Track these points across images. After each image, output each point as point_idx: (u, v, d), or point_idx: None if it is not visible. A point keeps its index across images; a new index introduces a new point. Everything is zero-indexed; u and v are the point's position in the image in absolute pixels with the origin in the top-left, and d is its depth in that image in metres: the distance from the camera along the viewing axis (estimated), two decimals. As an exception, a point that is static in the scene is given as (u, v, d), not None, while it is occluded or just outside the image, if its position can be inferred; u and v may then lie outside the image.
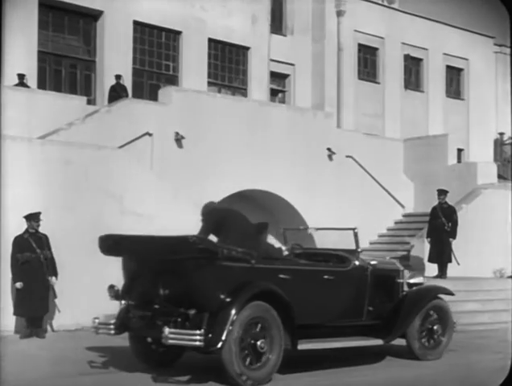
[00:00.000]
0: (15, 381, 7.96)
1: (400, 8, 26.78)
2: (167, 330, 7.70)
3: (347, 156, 18.09)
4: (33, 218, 11.59)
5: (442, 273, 15.23)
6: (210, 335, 7.68)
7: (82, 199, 12.84)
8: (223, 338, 7.69)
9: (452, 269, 15.35)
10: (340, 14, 24.09)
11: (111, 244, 8.68)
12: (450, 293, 10.68)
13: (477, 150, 26.50)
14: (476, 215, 17.13)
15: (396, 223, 19.07)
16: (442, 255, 15.34)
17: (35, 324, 11.66)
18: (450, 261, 15.31)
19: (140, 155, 14.33)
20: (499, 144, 27.99)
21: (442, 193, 15.80)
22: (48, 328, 12.15)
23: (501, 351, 10.49)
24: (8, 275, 11.54)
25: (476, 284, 15.02)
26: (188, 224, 13.29)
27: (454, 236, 15.35)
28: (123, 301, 8.64)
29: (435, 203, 15.94)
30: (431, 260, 15.52)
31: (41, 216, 11.67)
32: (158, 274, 8.19)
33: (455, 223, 15.43)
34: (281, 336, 8.24)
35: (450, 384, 8.92)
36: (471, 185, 18.19)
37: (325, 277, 9.10)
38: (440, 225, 15.40)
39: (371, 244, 17.86)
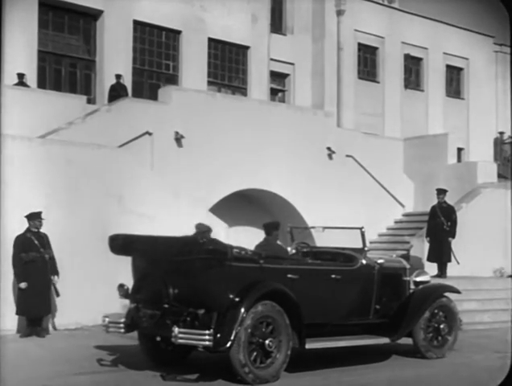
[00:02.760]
0: (15, 380, 7.97)
1: (400, 7, 26.78)
2: (176, 329, 7.82)
3: (347, 155, 18.09)
4: (36, 217, 11.58)
5: (442, 273, 15.22)
6: (219, 335, 7.78)
7: (82, 198, 12.84)
8: (232, 337, 7.79)
9: (451, 269, 15.35)
10: (340, 13, 24.08)
11: (121, 244, 8.77)
12: (456, 292, 10.71)
13: (477, 150, 26.48)
14: (476, 215, 17.12)
15: (396, 222, 19.07)
16: (441, 254, 15.34)
17: (36, 323, 11.65)
18: (449, 261, 15.30)
19: (140, 154, 14.33)
20: (499, 143, 27.95)
21: (441, 192, 15.79)
22: (50, 327, 12.14)
23: (500, 351, 10.51)
24: (8, 274, 11.52)
25: (476, 283, 15.02)
26: (188, 223, 13.35)
27: (453, 236, 15.34)
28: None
29: (435, 202, 15.93)
30: (430, 259, 15.51)
31: (42, 216, 11.66)
32: (167, 274, 8.27)
33: (454, 223, 15.42)
34: (289, 335, 8.34)
35: (450, 383, 8.93)
36: (471, 184, 18.18)
37: (333, 276, 9.16)
38: (439, 224, 15.39)
39: (371, 243, 17.82)
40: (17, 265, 11.45)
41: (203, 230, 10.52)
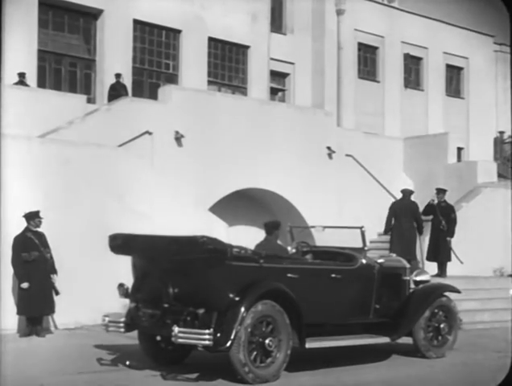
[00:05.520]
0: (15, 380, 7.96)
1: (400, 7, 26.80)
2: (176, 329, 7.81)
3: (347, 155, 18.08)
4: (34, 216, 11.54)
5: (441, 272, 15.21)
6: (219, 334, 7.77)
7: (82, 197, 12.84)
8: (232, 337, 7.78)
9: (452, 268, 15.33)
10: (340, 12, 24.09)
11: (121, 243, 8.77)
12: (456, 291, 10.71)
13: (477, 149, 26.50)
14: (476, 214, 17.11)
15: (396, 222, 19.04)
16: (439, 254, 15.33)
17: (36, 322, 11.63)
18: (449, 260, 15.27)
19: (140, 154, 14.32)
20: (499, 142, 27.94)
21: (440, 192, 15.76)
22: (52, 327, 12.12)
23: (500, 350, 10.51)
24: (8, 274, 11.49)
25: (476, 282, 15.01)
26: (188, 223, 13.36)
27: (451, 235, 15.28)
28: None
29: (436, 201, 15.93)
30: (429, 258, 15.51)
31: (40, 215, 11.64)
32: (167, 273, 8.26)
33: (452, 222, 15.36)
34: (289, 335, 8.34)
35: (450, 383, 8.94)
36: (471, 184, 18.17)
37: (333, 275, 9.16)
38: (438, 224, 15.39)
39: (371, 242, 17.77)
40: (18, 265, 11.38)
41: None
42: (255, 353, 8.05)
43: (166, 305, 8.20)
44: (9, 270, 11.46)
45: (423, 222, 15.00)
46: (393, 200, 16.17)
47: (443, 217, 15.34)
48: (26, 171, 12.12)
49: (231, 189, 15.78)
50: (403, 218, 14.76)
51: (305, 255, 10.10)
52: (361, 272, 9.57)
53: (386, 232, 15.28)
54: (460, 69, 28.26)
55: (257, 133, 16.27)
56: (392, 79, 25.77)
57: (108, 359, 9.18)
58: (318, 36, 24.20)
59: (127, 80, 18.98)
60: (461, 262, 15.19)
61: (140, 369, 8.68)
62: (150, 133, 14.71)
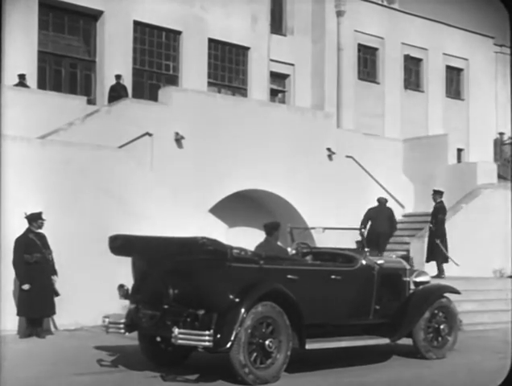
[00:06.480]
0: (15, 381, 7.97)
1: (400, 8, 26.80)
2: (176, 330, 7.83)
3: (347, 156, 18.10)
4: (37, 218, 11.55)
5: (439, 272, 15.21)
6: (219, 335, 7.78)
7: (82, 199, 12.85)
8: (232, 338, 7.80)
9: (451, 269, 15.35)
10: (340, 14, 24.10)
11: (121, 244, 8.78)
12: (456, 292, 10.73)
13: (477, 150, 26.50)
14: (475, 215, 17.13)
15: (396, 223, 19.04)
16: (431, 255, 15.38)
17: (36, 324, 11.63)
18: (445, 261, 15.30)
19: (140, 155, 14.33)
20: (499, 144, 27.98)
21: (435, 193, 15.80)
22: (52, 328, 12.12)
23: (500, 351, 10.51)
24: (8, 275, 11.49)
25: (475, 284, 15.02)
26: (188, 224, 13.36)
27: (438, 236, 15.32)
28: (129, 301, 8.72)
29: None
30: (426, 259, 15.58)
31: (42, 216, 11.65)
32: (167, 274, 8.28)
33: (439, 223, 15.41)
34: (289, 336, 8.35)
35: (450, 384, 8.94)
36: (471, 185, 18.20)
37: (332, 276, 9.17)
38: (430, 225, 15.53)
39: (371, 244, 17.83)
40: (19, 267, 11.37)
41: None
42: (255, 354, 8.07)
43: (166, 307, 8.21)
44: (9, 271, 11.47)
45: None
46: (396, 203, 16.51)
47: (433, 218, 15.44)
48: (27, 173, 12.12)
49: (231, 190, 15.78)
50: (378, 221, 15.71)
51: (305, 256, 10.13)
52: (361, 273, 9.58)
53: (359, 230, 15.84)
54: (460, 70, 28.25)
55: (257, 134, 16.28)
56: (392, 80, 25.77)
57: (108, 361, 9.19)
58: (318, 37, 24.20)
59: (127, 82, 18.99)
60: (457, 264, 15.19)
61: (140, 370, 8.69)
62: (150, 135, 14.72)
